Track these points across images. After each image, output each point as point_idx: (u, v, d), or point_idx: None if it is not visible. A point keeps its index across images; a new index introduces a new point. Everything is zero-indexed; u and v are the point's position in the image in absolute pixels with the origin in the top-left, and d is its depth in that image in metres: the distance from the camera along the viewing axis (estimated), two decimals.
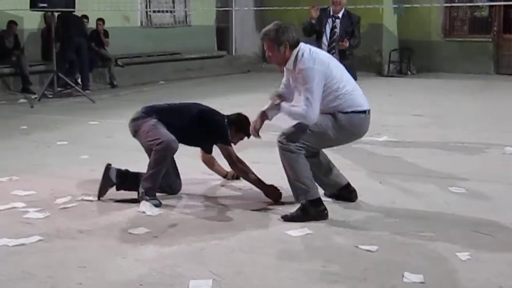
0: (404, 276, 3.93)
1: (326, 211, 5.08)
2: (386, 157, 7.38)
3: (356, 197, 5.54)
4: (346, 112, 5.07)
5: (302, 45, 5.07)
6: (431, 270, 4.06)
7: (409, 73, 18.24)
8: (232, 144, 5.72)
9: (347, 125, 5.11)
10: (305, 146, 5.06)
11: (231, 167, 5.77)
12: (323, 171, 5.46)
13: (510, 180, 6.30)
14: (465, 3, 17.46)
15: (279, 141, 5.06)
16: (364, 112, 5.16)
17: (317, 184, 5.25)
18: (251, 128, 5.33)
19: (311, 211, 5.03)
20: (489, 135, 8.57)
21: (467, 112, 10.97)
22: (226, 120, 5.75)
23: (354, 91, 5.16)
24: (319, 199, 5.12)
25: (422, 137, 8.53)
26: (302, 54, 4.99)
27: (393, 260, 4.22)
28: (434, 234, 4.71)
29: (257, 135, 5.32)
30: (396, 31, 18.64)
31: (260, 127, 5.27)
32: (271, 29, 5.05)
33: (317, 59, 5.00)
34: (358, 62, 7.99)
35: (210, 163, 6.16)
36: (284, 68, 5.23)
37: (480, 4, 17.87)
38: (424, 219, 5.09)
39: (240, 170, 5.67)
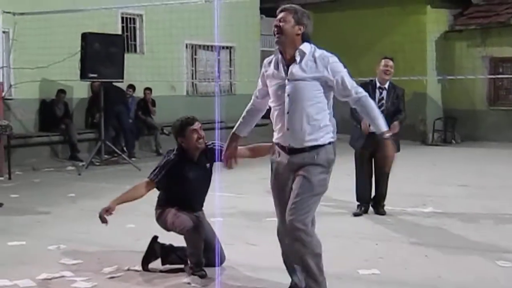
0: None
1: None
2: (431, 228, 7.31)
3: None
4: (331, 143, 4.48)
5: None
6: None
7: (453, 142, 18.18)
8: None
9: (333, 159, 4.54)
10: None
11: None
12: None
13: None
14: (510, 75, 17.42)
15: (297, 228, 4.28)
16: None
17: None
18: (223, 159, 4.79)
19: None
20: None
21: None
22: (173, 150, 6.07)
23: None
24: None
25: (468, 208, 8.44)
26: (316, 49, 4.48)
27: None
28: None
29: (231, 166, 4.76)
30: (440, 100, 18.68)
31: (235, 154, 4.74)
32: (299, 8, 4.49)
33: None
34: (402, 131, 7.98)
35: (253, 152, 6.07)
36: (272, 70, 4.52)
37: None
38: None
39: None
